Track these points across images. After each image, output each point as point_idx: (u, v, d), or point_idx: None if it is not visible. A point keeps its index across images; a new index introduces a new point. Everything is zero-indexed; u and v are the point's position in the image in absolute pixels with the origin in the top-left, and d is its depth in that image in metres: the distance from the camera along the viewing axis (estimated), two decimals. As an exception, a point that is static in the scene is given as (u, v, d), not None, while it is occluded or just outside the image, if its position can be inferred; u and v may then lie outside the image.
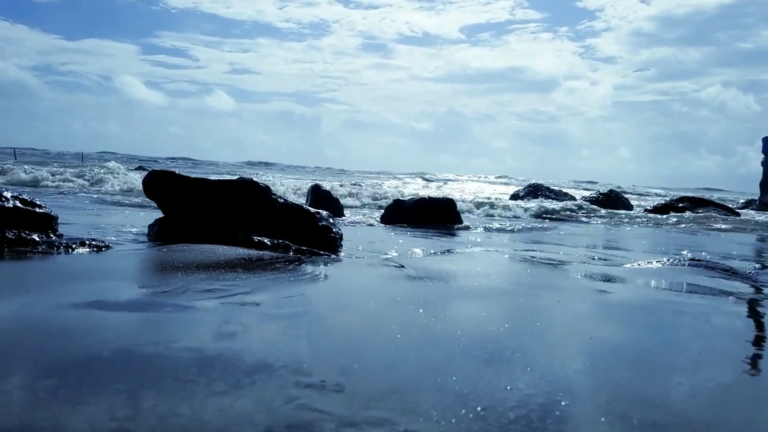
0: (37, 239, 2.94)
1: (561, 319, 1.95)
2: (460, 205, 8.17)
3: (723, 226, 8.75)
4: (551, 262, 3.47)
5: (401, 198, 8.82)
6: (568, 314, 2.01)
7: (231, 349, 1.37)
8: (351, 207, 9.66)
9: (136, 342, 1.40)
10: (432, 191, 14.59)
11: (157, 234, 3.66)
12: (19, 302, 1.76)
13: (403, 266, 2.86)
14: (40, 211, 3.11)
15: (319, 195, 9.05)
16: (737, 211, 14.15)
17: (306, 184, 12.59)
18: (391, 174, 37.21)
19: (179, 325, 1.57)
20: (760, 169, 16.89)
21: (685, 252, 4.58)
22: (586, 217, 9.37)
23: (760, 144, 16.78)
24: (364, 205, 11.25)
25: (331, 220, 3.92)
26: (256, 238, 3.41)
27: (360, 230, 5.49)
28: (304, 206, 3.87)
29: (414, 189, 16.01)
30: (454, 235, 5.39)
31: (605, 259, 3.79)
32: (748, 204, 16.30)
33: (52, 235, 3.10)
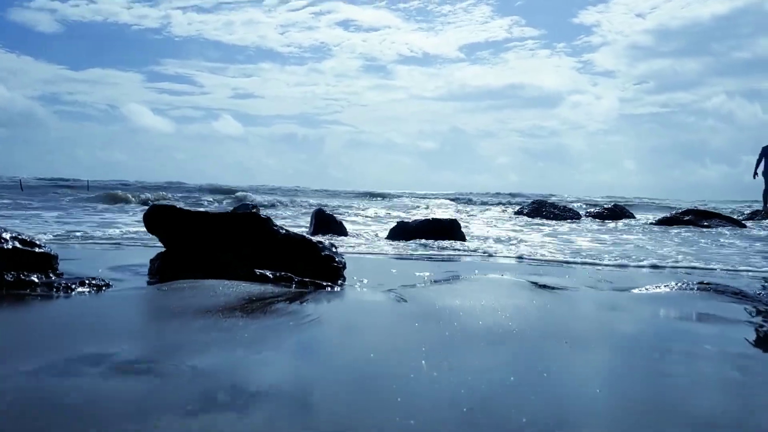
0: (36, 280, 2.92)
1: (570, 369, 1.86)
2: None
3: (728, 240, 8.67)
4: (557, 287, 3.42)
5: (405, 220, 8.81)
6: (576, 363, 1.93)
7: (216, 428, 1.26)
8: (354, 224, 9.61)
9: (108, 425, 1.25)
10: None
11: (159, 269, 3.64)
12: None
13: (405, 300, 2.81)
14: (40, 251, 3.09)
15: (322, 218, 9.06)
16: (743, 222, 14.06)
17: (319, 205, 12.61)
18: (390, 195, 37.23)
19: (163, 396, 1.46)
20: (761, 178, 16.83)
21: (692, 263, 4.53)
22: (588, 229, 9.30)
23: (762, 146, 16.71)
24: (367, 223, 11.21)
25: (333, 250, 3.89)
26: (258, 272, 3.38)
27: (364, 249, 5.44)
28: (306, 236, 3.84)
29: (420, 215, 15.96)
30: (458, 251, 5.34)
31: (611, 282, 3.73)
32: (753, 215, 16.19)
33: (51, 275, 3.07)
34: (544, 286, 3.39)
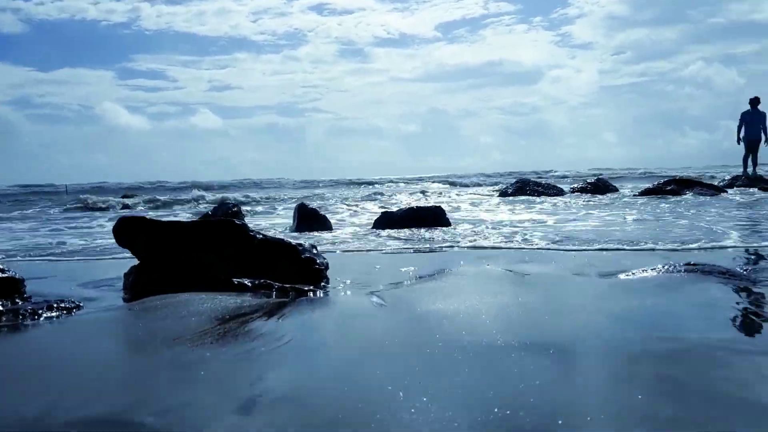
0: (1, 308, 2.78)
1: (560, 388, 1.74)
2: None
3: (711, 210, 8.72)
4: (542, 278, 3.34)
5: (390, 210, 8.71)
6: (566, 379, 1.79)
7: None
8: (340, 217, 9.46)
9: None
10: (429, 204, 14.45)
11: (133, 283, 3.51)
12: None
13: (388, 304, 2.72)
14: (4, 276, 2.94)
15: (305, 213, 8.92)
16: (724, 189, 14.20)
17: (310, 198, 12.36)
18: (375, 182, 37.07)
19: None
20: (742, 144, 16.98)
21: (674, 242, 4.50)
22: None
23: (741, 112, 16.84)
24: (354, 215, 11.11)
25: (314, 251, 3.78)
26: (236, 281, 3.26)
27: (349, 243, 5.33)
28: (285, 240, 3.72)
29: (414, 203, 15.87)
30: (444, 241, 5.25)
31: (596, 267, 3.67)
32: (733, 180, 16.36)
33: (18, 300, 2.94)
34: (529, 280, 3.31)
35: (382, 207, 11.42)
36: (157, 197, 18.49)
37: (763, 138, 16.90)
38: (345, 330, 2.43)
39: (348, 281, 3.61)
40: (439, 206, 8.40)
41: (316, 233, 7.92)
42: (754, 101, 16.89)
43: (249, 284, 3.25)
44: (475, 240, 5.46)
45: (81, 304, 2.93)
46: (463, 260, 4.26)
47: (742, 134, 17.01)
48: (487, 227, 6.92)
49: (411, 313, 2.54)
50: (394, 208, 9.06)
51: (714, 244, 4.43)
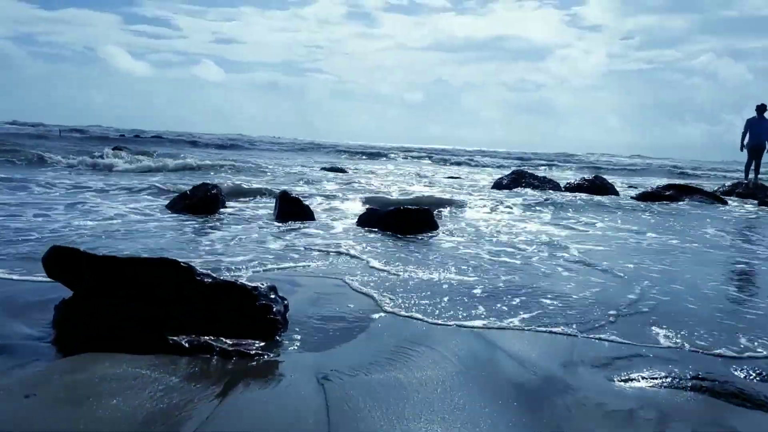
0: None
1: None
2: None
3: (710, 231, 8.33)
4: (523, 373, 2.80)
5: (377, 204, 8.27)
6: None
7: None
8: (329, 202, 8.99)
9: None
10: (423, 188, 13.93)
11: (60, 323, 3.09)
12: None
13: (334, 403, 2.32)
14: None
15: (287, 202, 8.47)
16: (725, 199, 13.85)
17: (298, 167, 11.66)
18: (380, 148, 36.41)
19: None
20: (745, 151, 16.58)
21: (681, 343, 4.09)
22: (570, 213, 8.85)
23: (746, 118, 16.41)
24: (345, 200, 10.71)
25: (272, 296, 3.36)
26: (171, 339, 2.84)
27: (324, 246, 4.86)
28: (238, 283, 3.29)
29: (404, 185, 15.39)
30: (426, 265, 4.82)
31: (586, 363, 2.99)
32: (734, 187, 15.98)
33: None
34: (512, 377, 2.79)
35: (370, 195, 10.95)
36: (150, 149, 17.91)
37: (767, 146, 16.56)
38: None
39: (304, 336, 3.21)
40: (427, 209, 7.99)
41: (299, 223, 7.54)
42: (761, 108, 16.47)
43: (186, 345, 2.84)
44: (455, 262, 5.05)
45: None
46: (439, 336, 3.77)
47: (746, 141, 16.63)
48: (472, 235, 6.50)
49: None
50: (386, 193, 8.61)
51: (734, 353, 3.51)
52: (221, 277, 3.30)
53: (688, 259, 6.02)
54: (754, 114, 16.31)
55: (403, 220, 7.52)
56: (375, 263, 5.06)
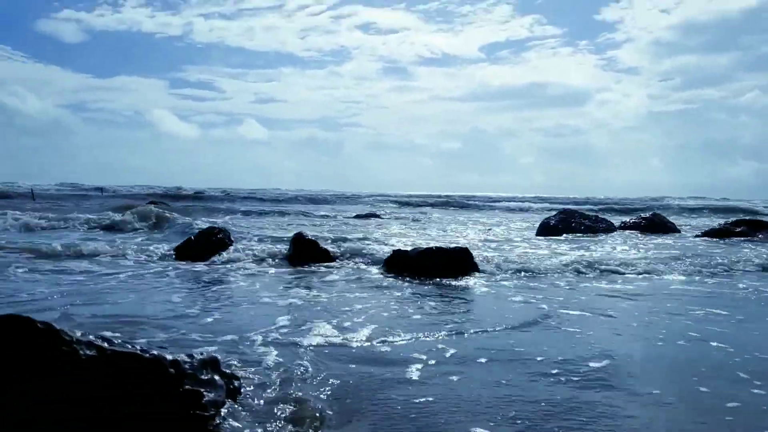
0: None
1: None
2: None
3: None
4: None
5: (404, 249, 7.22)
6: None
7: None
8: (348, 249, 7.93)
9: None
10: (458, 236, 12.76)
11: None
12: None
13: None
14: None
15: (302, 243, 7.54)
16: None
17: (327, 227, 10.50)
18: (410, 199, 35.60)
19: None
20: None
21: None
22: (632, 270, 7.51)
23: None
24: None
25: (205, 374, 2.20)
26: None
27: (336, 296, 3.84)
28: (150, 354, 2.11)
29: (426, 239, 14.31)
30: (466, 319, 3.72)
31: None
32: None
33: None
34: None
35: (401, 235, 9.91)
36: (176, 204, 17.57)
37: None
38: None
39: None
40: (465, 248, 6.87)
41: (314, 266, 6.76)
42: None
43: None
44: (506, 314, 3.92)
45: None
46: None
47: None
48: (519, 284, 5.34)
49: None
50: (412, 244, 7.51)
51: None
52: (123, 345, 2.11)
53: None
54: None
55: (437, 264, 6.42)
56: (395, 311, 3.98)
